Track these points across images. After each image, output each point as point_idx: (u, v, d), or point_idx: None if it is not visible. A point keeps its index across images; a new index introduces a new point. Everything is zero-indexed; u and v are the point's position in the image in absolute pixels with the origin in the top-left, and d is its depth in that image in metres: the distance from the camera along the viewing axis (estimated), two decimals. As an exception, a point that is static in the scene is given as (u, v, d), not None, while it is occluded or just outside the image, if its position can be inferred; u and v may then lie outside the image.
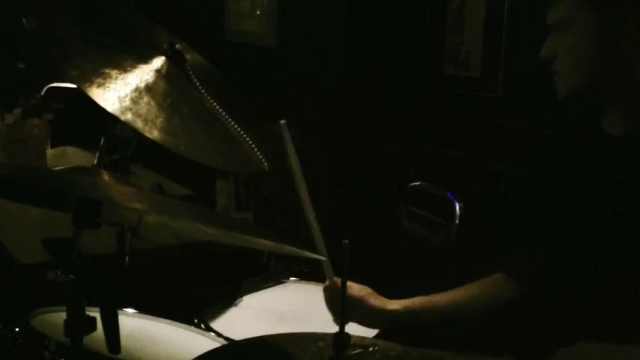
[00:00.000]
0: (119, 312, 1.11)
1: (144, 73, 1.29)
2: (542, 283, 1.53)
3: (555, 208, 1.53)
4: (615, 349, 1.28)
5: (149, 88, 1.27)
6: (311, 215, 1.45)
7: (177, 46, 1.36)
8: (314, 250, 1.39)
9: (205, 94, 1.34)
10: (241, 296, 1.81)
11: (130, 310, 1.53)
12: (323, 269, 1.53)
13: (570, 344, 1.33)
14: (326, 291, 1.55)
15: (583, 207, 1.44)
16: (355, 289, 1.55)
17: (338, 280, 1.53)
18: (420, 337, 1.46)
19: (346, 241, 1.03)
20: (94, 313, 1.08)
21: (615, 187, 1.39)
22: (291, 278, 1.96)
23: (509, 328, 1.77)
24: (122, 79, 1.24)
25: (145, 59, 1.32)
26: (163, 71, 1.32)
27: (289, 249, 1.17)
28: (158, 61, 1.33)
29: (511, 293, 1.55)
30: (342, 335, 1.01)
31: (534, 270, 1.53)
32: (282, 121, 1.43)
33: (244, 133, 1.35)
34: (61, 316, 1.10)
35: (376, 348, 1.10)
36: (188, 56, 1.38)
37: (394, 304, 1.56)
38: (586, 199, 1.44)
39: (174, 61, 1.35)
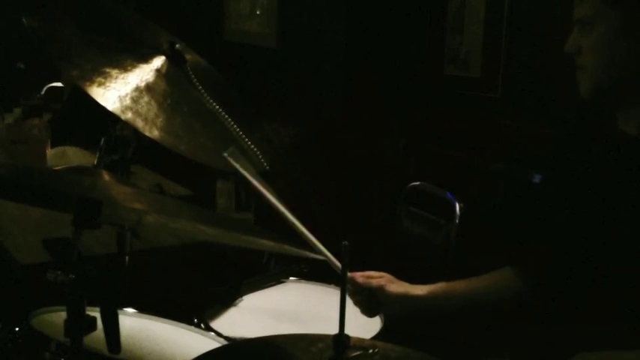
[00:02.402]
0: (119, 312, 1.11)
1: (144, 73, 1.29)
2: (545, 281, 1.53)
3: (564, 207, 1.53)
4: (611, 357, 1.28)
5: (149, 88, 1.27)
6: (294, 221, 1.43)
7: (177, 46, 1.36)
8: (312, 250, 1.39)
9: (205, 94, 1.34)
10: (241, 296, 1.81)
11: (130, 310, 1.53)
12: (331, 267, 1.53)
13: (569, 345, 1.33)
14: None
15: (592, 206, 1.44)
16: (375, 278, 1.57)
17: (354, 275, 1.56)
18: (420, 338, 1.46)
19: (346, 242, 1.03)
20: (94, 312, 1.08)
21: (627, 185, 1.38)
22: (291, 278, 1.96)
23: (509, 328, 1.77)
24: (122, 78, 1.24)
25: (145, 59, 1.32)
26: (163, 71, 1.33)
27: (289, 249, 1.17)
28: (158, 61, 1.33)
29: (518, 285, 1.56)
30: (341, 336, 1.01)
31: (537, 267, 1.54)
32: (228, 151, 1.32)
33: (244, 133, 1.35)
34: (61, 316, 1.10)
35: (376, 350, 1.10)
36: (188, 56, 1.38)
37: (418, 290, 1.58)
38: (597, 197, 1.44)
39: (175, 61, 1.36)
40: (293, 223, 1.39)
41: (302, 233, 1.39)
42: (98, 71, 1.22)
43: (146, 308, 1.53)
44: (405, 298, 1.57)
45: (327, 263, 1.51)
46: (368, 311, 1.59)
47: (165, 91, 1.30)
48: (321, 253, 1.42)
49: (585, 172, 1.48)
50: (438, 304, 1.58)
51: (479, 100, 3.05)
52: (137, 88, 1.25)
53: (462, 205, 2.35)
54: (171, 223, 1.28)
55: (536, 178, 2.63)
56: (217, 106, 1.34)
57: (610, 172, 1.42)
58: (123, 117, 1.18)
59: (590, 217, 1.44)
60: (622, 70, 1.37)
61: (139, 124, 1.20)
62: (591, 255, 1.41)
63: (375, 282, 1.57)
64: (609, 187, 1.42)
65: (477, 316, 1.70)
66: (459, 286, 1.60)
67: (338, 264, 1.51)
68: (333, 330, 1.02)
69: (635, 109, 1.39)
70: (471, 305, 1.60)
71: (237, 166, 1.32)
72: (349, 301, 1.59)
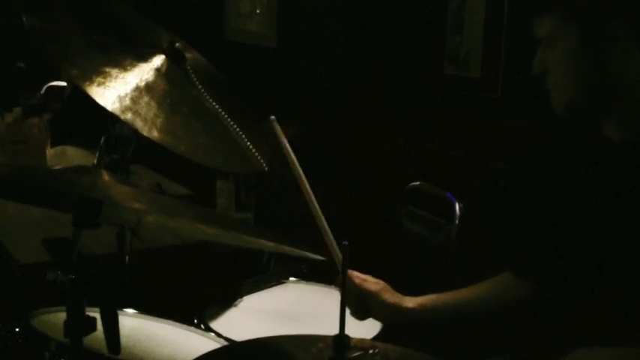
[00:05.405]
0: (119, 312, 1.11)
1: (144, 73, 1.29)
2: (544, 283, 1.53)
3: (556, 209, 1.53)
4: (608, 354, 1.28)
5: (149, 88, 1.27)
6: (315, 206, 1.45)
7: (177, 45, 1.36)
8: (329, 244, 1.40)
9: (205, 94, 1.34)
10: (241, 296, 1.81)
11: (130, 310, 1.53)
12: (332, 266, 1.53)
13: (569, 345, 1.33)
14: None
15: (584, 209, 1.44)
16: (371, 283, 1.56)
17: (352, 273, 1.55)
18: (420, 339, 1.46)
19: (346, 243, 1.03)
20: (94, 313, 1.08)
21: (616, 189, 1.39)
22: (291, 278, 1.96)
23: (509, 328, 1.77)
24: (122, 78, 1.24)
25: (145, 58, 1.32)
26: (163, 70, 1.32)
27: (289, 249, 1.17)
28: (158, 60, 1.33)
29: (519, 292, 1.55)
30: (342, 337, 1.01)
31: (538, 270, 1.53)
32: (272, 117, 1.42)
33: (244, 133, 1.35)
34: (61, 316, 1.10)
35: (376, 350, 1.10)
36: (188, 55, 1.38)
37: (409, 302, 1.56)
38: (587, 201, 1.44)
39: (174, 60, 1.35)
40: (315, 208, 1.40)
41: (319, 219, 1.40)
42: (98, 71, 1.22)
43: (146, 308, 1.53)
44: (395, 308, 1.54)
45: (326, 263, 1.51)
46: (356, 313, 1.56)
47: (165, 91, 1.29)
48: (330, 245, 1.43)
49: (577, 175, 1.49)
50: (428, 317, 1.56)
51: (479, 100, 3.05)
52: (137, 88, 1.24)
53: (461, 205, 2.35)
54: (171, 223, 1.28)
55: (537, 178, 2.63)
56: (217, 106, 1.33)
57: (598, 177, 1.42)
58: (122, 117, 1.18)
59: (586, 218, 1.44)
60: (591, 85, 1.36)
61: (139, 124, 1.20)
62: (589, 255, 1.42)
63: (370, 286, 1.55)
64: (600, 190, 1.42)
65: (472, 327, 1.68)
66: (448, 298, 1.58)
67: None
68: (333, 330, 1.02)
69: (614, 117, 1.39)
70: (461, 318, 1.57)
71: (279, 132, 1.39)
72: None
